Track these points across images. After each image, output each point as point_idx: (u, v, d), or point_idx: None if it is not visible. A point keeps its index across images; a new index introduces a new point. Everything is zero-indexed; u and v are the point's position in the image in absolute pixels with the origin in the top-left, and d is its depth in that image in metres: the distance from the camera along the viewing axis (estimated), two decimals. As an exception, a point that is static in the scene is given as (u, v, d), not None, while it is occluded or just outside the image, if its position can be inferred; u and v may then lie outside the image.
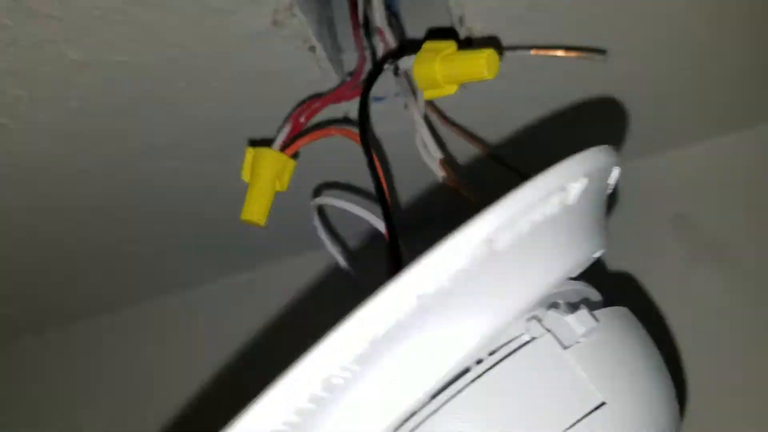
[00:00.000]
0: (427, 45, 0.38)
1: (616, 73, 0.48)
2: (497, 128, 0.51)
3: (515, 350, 0.26)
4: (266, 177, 0.39)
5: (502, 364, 0.25)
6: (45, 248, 0.55)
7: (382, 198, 0.34)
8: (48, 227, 0.52)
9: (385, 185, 0.35)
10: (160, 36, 0.39)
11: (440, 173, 0.38)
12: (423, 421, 0.24)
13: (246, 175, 0.39)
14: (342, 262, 0.42)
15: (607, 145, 0.27)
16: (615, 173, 0.29)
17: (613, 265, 0.52)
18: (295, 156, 0.40)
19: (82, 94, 0.41)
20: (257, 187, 0.39)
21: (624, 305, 0.30)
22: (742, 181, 0.53)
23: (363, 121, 0.38)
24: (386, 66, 0.40)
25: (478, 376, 0.24)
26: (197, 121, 0.45)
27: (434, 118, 0.43)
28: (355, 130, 0.39)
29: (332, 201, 0.39)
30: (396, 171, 0.50)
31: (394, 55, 0.40)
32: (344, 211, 0.39)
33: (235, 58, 0.41)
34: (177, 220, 0.56)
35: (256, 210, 0.39)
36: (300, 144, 0.40)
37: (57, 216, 0.51)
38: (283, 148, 0.40)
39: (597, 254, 0.29)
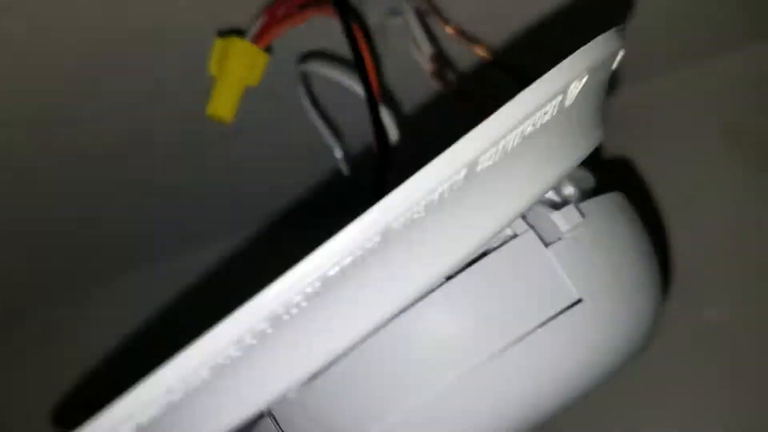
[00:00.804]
0: None
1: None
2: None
3: (496, 247, 0.24)
4: (235, 70, 0.36)
5: (482, 260, 0.24)
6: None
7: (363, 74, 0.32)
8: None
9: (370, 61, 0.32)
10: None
11: (429, 67, 0.36)
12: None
13: (213, 68, 0.36)
14: (331, 143, 0.39)
15: (612, 31, 0.24)
16: (619, 56, 0.26)
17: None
18: (268, 50, 0.37)
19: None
20: (225, 80, 0.36)
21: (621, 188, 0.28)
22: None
23: None
24: None
25: (458, 272, 0.23)
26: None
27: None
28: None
29: (320, 69, 0.36)
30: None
31: None
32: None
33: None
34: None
35: (222, 104, 0.36)
36: (274, 33, 0.36)
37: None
38: (256, 39, 0.36)
39: (593, 148, 0.27)
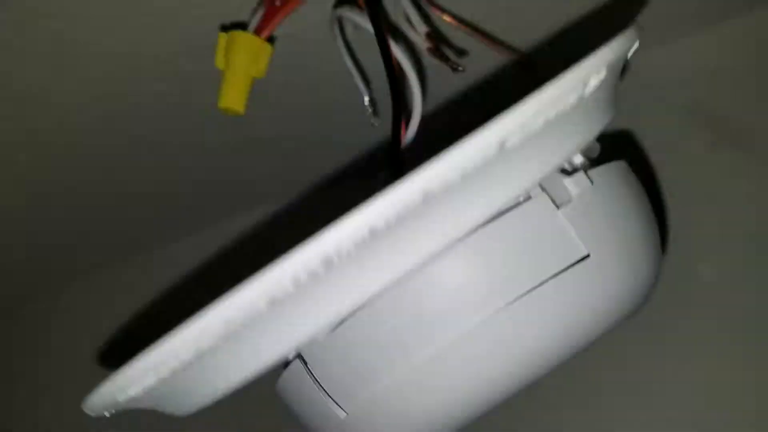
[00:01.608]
0: None
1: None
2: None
3: (511, 208, 0.27)
4: (241, 62, 0.37)
5: (500, 218, 0.27)
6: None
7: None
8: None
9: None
10: None
11: (425, 45, 0.37)
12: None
13: (220, 62, 0.38)
14: (361, 87, 0.40)
15: (633, 29, 0.26)
16: (634, 47, 0.29)
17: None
18: (271, 41, 0.38)
19: None
20: (233, 73, 0.37)
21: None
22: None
23: None
24: None
25: (473, 230, 0.25)
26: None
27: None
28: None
29: (356, 18, 0.36)
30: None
31: None
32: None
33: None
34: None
35: (233, 96, 0.37)
36: (275, 22, 0.37)
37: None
38: (258, 31, 0.38)
39: (607, 124, 0.29)
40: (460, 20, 0.41)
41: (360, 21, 0.35)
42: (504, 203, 0.25)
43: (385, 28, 0.34)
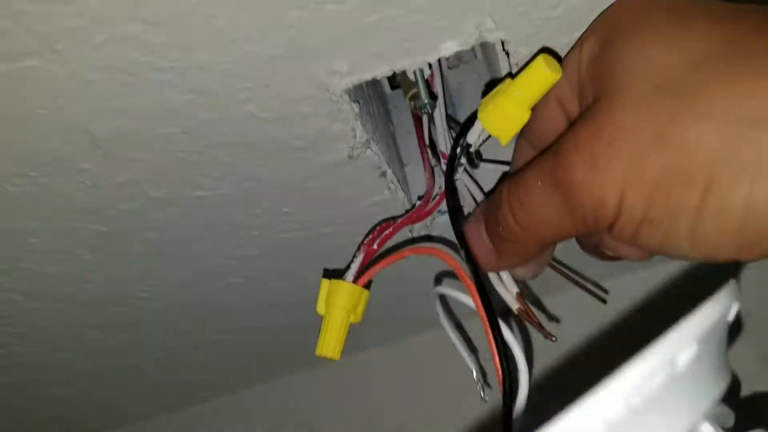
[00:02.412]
0: (484, 99, 0.35)
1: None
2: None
3: None
4: (341, 311, 0.38)
5: None
6: (111, 358, 0.54)
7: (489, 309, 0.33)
8: (115, 342, 0.52)
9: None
10: (238, 172, 0.39)
11: (515, 306, 0.37)
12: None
13: (321, 308, 0.39)
14: (471, 365, 0.40)
15: (725, 293, 0.25)
16: (734, 308, 0.27)
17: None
18: (368, 285, 0.39)
19: (159, 226, 0.41)
20: (332, 321, 0.38)
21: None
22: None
23: (454, 216, 0.36)
24: (458, 150, 0.38)
25: None
26: (268, 241, 0.45)
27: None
28: (430, 246, 0.39)
29: (453, 292, 0.37)
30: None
31: (459, 135, 0.38)
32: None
33: (310, 186, 0.41)
34: (236, 329, 0.55)
35: (331, 345, 0.38)
36: (373, 273, 0.39)
37: (125, 332, 0.51)
38: (357, 278, 0.39)
39: (717, 395, 0.27)
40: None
41: (464, 299, 0.35)
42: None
43: (493, 310, 0.34)
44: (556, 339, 0.36)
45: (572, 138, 0.28)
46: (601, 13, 0.31)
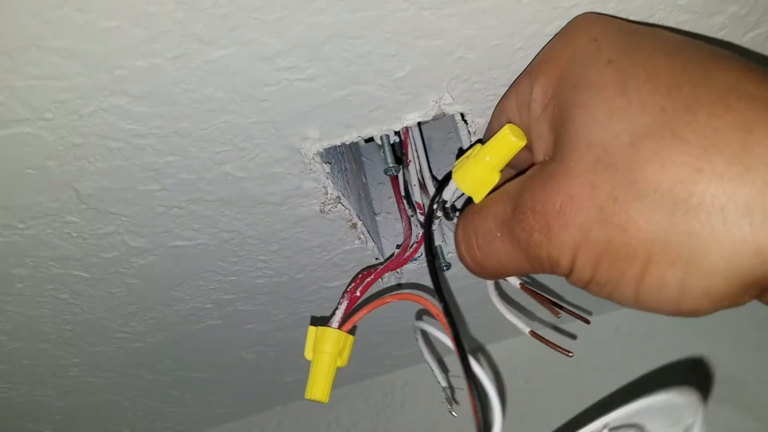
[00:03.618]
0: (457, 162, 0.38)
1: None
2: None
3: None
4: (328, 356, 0.40)
5: None
6: (90, 394, 0.56)
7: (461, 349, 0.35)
8: (94, 379, 0.54)
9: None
10: (215, 224, 0.41)
11: (527, 330, 0.39)
12: None
13: (308, 354, 0.41)
14: (437, 373, 0.43)
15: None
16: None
17: None
18: (352, 331, 0.41)
19: (140, 272, 0.44)
20: (320, 366, 0.40)
21: None
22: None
23: (432, 267, 0.38)
24: (435, 206, 0.40)
25: None
26: (243, 285, 0.47)
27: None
28: (410, 293, 0.41)
29: (432, 329, 0.39)
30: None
31: (436, 193, 0.41)
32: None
33: (284, 236, 0.44)
34: (212, 367, 0.57)
35: (319, 389, 0.40)
36: (357, 319, 0.41)
37: (106, 371, 0.53)
38: (341, 324, 0.41)
39: None
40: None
41: (441, 337, 0.37)
42: None
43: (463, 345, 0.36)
44: (572, 354, 0.38)
45: (529, 199, 0.30)
46: (548, 49, 0.32)
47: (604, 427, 0.27)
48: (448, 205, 0.40)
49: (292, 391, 0.66)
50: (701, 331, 0.58)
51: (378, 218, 0.51)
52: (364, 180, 0.52)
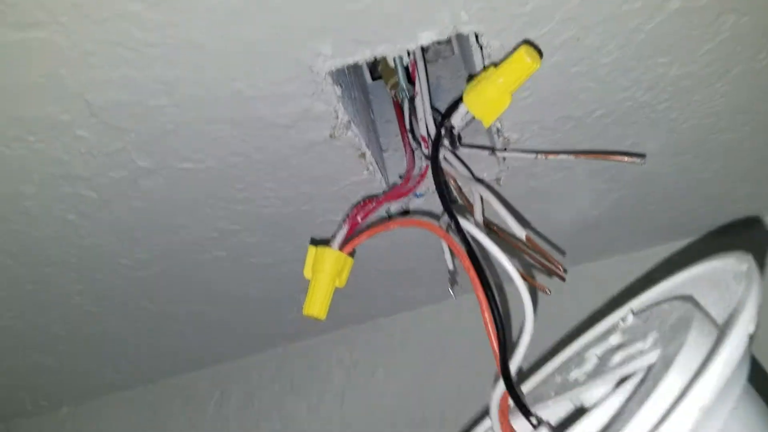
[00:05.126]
0: (468, 85, 0.39)
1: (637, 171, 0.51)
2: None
3: None
4: (327, 275, 0.41)
5: None
6: (92, 325, 0.57)
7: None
8: (97, 309, 0.55)
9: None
10: (224, 146, 0.42)
11: (523, 234, 0.40)
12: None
13: (308, 272, 0.42)
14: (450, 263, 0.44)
15: None
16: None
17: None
18: (352, 254, 0.42)
19: (147, 195, 0.45)
20: (319, 284, 0.42)
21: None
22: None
23: (441, 189, 0.39)
24: (443, 129, 0.41)
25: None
26: (249, 215, 0.48)
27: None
28: (418, 218, 0.42)
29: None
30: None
31: (444, 117, 0.42)
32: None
33: (292, 163, 0.44)
34: (216, 302, 0.58)
35: (317, 306, 0.41)
36: (358, 242, 0.43)
37: (109, 300, 0.54)
38: (342, 246, 0.42)
39: None
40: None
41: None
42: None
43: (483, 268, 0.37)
44: (566, 271, 0.40)
45: None
46: None
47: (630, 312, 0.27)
48: (455, 131, 0.41)
49: (294, 332, 0.67)
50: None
51: (385, 155, 0.52)
52: (372, 116, 0.52)
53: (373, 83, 0.54)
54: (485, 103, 0.36)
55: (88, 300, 0.54)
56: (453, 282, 0.43)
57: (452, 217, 0.37)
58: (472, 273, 0.36)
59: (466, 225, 0.37)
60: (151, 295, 0.55)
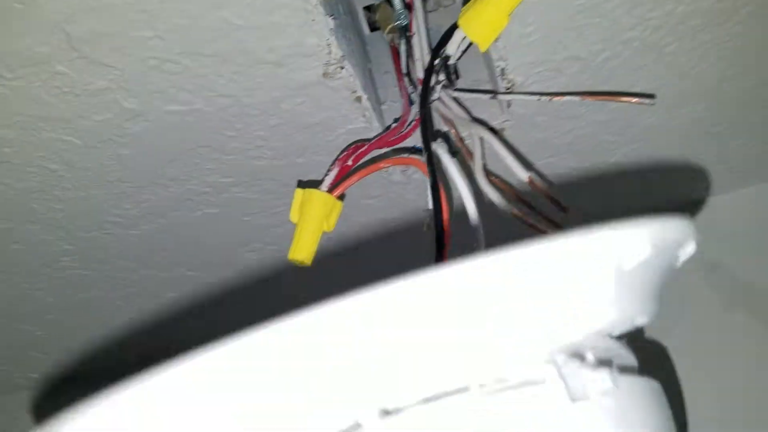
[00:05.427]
0: (464, 8, 0.37)
1: (646, 123, 0.49)
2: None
3: (519, 385, 0.25)
4: (314, 218, 0.40)
5: (500, 394, 0.24)
6: (81, 290, 0.55)
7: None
8: (87, 272, 0.53)
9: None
10: (211, 86, 0.40)
11: (525, 175, 0.39)
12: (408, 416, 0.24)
13: (294, 216, 0.40)
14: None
15: (684, 219, 0.26)
16: (689, 249, 0.28)
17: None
18: (341, 197, 0.41)
19: (134, 142, 0.43)
20: (305, 227, 0.40)
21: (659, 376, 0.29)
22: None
23: (426, 134, 0.37)
24: (437, 62, 0.39)
25: (475, 399, 0.24)
26: (242, 168, 0.46)
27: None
28: (407, 156, 0.40)
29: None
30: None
31: (439, 46, 0.40)
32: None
33: (284, 108, 0.42)
34: (208, 266, 0.56)
35: (303, 250, 0.40)
36: (348, 184, 0.41)
37: (99, 262, 0.52)
38: (331, 189, 0.40)
39: (641, 321, 0.28)
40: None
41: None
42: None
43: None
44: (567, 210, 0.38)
45: None
46: None
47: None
48: (451, 62, 0.39)
49: (291, 305, 0.65)
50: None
51: (383, 107, 0.50)
52: (369, 65, 0.50)
53: (371, 34, 0.52)
54: (482, 25, 0.35)
55: (77, 262, 0.52)
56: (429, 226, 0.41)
57: (428, 148, 0.36)
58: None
59: (443, 157, 0.36)
60: (143, 256, 0.53)
